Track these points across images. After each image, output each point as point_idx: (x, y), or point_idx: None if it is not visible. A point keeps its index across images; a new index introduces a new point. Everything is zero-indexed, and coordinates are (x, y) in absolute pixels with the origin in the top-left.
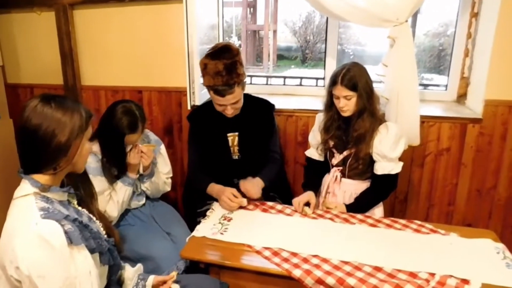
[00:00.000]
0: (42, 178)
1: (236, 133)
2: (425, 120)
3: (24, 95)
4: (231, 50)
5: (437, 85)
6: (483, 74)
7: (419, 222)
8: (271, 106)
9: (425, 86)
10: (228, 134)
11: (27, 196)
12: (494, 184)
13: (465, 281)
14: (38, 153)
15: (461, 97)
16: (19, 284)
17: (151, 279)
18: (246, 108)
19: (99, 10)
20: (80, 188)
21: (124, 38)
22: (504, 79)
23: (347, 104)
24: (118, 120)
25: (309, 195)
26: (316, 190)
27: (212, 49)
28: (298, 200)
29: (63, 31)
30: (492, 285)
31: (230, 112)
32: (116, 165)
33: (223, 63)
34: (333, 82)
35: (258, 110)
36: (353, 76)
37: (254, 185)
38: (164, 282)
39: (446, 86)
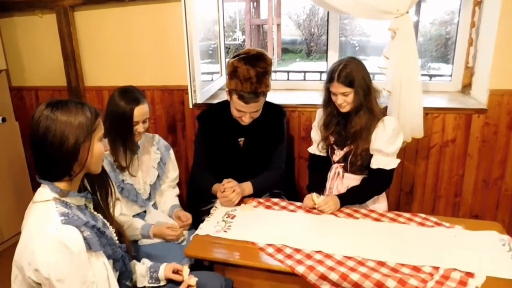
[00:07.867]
0: (60, 184)
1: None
2: (429, 111)
3: (28, 97)
4: (265, 59)
5: (442, 75)
6: (487, 64)
7: (423, 216)
8: (283, 113)
9: (431, 76)
10: (239, 139)
11: (47, 201)
12: (501, 174)
13: (470, 274)
14: (51, 160)
15: (466, 87)
16: (36, 285)
17: (162, 268)
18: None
19: (99, 11)
20: (97, 190)
21: (125, 38)
22: (508, 68)
23: (345, 100)
24: (120, 100)
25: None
26: (321, 191)
27: (244, 53)
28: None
29: (65, 33)
30: (497, 278)
31: (247, 120)
32: (129, 147)
33: (255, 70)
34: (330, 79)
35: (270, 116)
36: (349, 73)
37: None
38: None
39: (451, 76)
